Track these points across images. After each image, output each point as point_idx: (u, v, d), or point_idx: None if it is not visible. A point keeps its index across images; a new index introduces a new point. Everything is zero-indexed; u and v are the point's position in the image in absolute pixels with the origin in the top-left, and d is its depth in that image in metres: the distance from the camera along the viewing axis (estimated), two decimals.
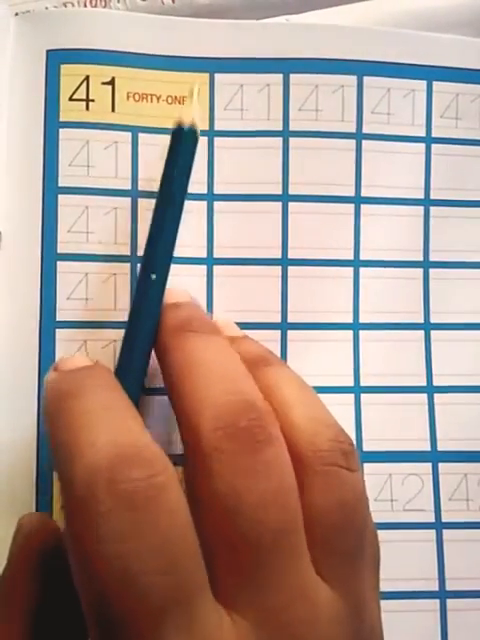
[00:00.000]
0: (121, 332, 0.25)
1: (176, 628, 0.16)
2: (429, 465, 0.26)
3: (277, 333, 0.26)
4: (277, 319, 0.26)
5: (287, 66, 0.26)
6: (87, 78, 0.25)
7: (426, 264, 0.27)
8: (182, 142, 0.23)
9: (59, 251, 0.25)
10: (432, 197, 0.27)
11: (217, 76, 0.26)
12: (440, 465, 0.26)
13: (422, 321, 0.26)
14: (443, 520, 0.26)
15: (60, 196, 0.25)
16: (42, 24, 0.26)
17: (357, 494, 0.19)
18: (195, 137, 0.24)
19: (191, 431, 0.19)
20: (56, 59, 0.26)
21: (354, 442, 0.20)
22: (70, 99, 0.25)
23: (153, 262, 0.22)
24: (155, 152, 0.25)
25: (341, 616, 0.18)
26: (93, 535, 0.16)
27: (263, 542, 0.17)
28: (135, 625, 0.16)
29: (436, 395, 0.26)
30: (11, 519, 0.22)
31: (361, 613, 0.19)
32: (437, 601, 0.25)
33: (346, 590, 0.19)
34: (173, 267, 0.25)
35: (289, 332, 0.26)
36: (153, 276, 0.22)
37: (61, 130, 0.25)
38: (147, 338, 0.22)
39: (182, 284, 0.25)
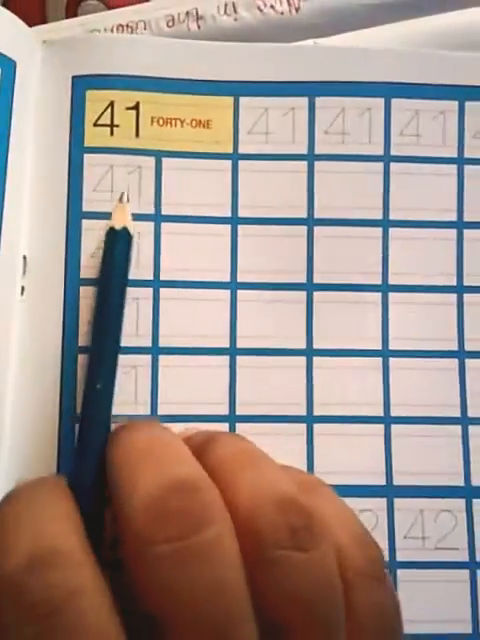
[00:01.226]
0: (144, 357, 0.25)
1: None
2: (463, 501, 0.25)
3: (302, 359, 0.25)
4: (302, 345, 0.25)
5: (313, 89, 0.26)
6: (112, 103, 0.25)
7: (460, 289, 0.26)
8: (117, 243, 0.24)
9: (82, 276, 0.25)
10: (466, 219, 0.26)
11: (242, 99, 0.26)
12: (474, 501, 0.24)
13: (456, 348, 0.25)
14: (478, 560, 0.24)
15: (84, 221, 0.25)
16: (69, 51, 0.26)
17: (314, 582, 0.17)
18: (129, 237, 0.24)
19: (122, 526, 0.17)
20: (82, 85, 0.26)
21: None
22: (95, 125, 0.25)
23: (97, 369, 0.23)
24: (179, 177, 0.25)
25: None
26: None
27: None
28: None
29: (471, 427, 0.25)
30: None
31: None
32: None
33: None
34: (200, 291, 0.25)
35: (315, 359, 0.25)
36: (98, 386, 0.22)
37: (86, 155, 0.25)
38: (97, 447, 0.21)
39: (207, 307, 0.25)
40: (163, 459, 0.18)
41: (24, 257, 0.25)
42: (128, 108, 0.26)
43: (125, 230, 0.24)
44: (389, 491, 0.24)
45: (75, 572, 0.16)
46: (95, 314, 0.23)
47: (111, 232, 0.24)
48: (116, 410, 0.23)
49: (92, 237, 0.25)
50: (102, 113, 0.25)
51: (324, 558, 0.17)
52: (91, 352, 0.23)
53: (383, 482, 0.25)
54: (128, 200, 0.25)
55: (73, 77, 0.26)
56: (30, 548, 0.16)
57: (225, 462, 0.19)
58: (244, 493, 0.18)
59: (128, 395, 0.24)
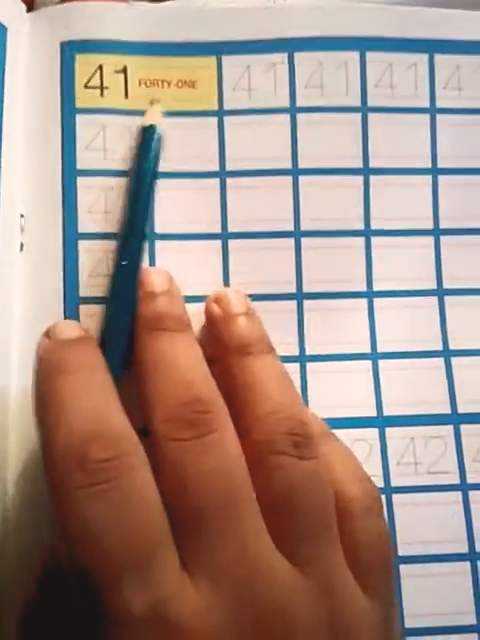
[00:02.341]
0: None
1: (133, 584, 0.19)
2: (451, 427, 0.26)
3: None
4: (293, 287, 0.26)
5: (291, 45, 0.27)
6: (100, 67, 0.27)
7: (436, 232, 0.27)
8: (149, 138, 0.26)
9: (79, 231, 0.26)
10: (440, 166, 0.27)
11: (224, 58, 0.27)
12: (462, 427, 0.26)
13: (436, 287, 0.27)
14: (469, 482, 0.26)
15: (79, 178, 0.26)
16: (56, 18, 0.27)
17: (308, 479, 0.21)
18: (159, 133, 0.26)
19: (148, 423, 0.21)
20: (70, 50, 0.27)
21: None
22: (85, 86, 0.27)
23: (125, 249, 0.25)
24: (168, 134, 0.26)
25: (301, 590, 0.20)
26: (67, 501, 0.19)
27: (211, 511, 0.20)
28: (98, 577, 0.19)
29: (453, 359, 0.26)
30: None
31: (329, 593, 0.20)
32: (468, 563, 0.25)
33: (309, 570, 0.20)
34: (187, 243, 0.26)
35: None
36: (124, 262, 0.24)
37: (78, 116, 0.26)
38: (125, 321, 0.24)
39: (197, 259, 0.26)
40: (184, 378, 0.22)
41: (21, 215, 0.26)
42: (116, 71, 0.27)
43: (155, 127, 0.26)
44: (380, 421, 0.26)
45: (133, 448, 0.20)
46: (126, 202, 0.25)
47: (144, 129, 0.26)
48: None
49: (87, 193, 0.26)
50: (91, 76, 0.27)
51: (315, 466, 0.22)
52: (120, 236, 0.25)
53: (374, 414, 0.26)
54: (159, 102, 0.27)
55: (61, 43, 0.27)
56: (90, 424, 0.20)
57: (251, 380, 0.23)
58: (262, 409, 0.22)
59: None
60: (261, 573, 0.19)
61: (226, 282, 0.26)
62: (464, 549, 0.25)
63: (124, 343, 0.24)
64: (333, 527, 0.21)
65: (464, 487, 0.25)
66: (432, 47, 0.27)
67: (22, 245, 0.26)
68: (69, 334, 0.22)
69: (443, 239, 0.27)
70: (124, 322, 0.24)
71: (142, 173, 0.25)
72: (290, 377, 0.24)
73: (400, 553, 0.25)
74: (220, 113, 0.27)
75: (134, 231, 0.25)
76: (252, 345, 0.23)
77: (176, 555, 0.20)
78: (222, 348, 0.24)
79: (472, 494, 0.25)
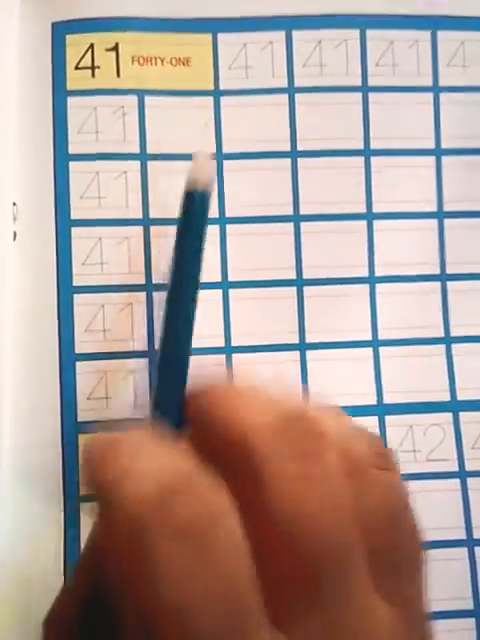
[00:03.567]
0: (138, 294, 0.25)
1: None
2: (450, 415, 0.26)
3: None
4: (292, 273, 0.26)
5: (289, 23, 0.26)
6: (92, 46, 0.26)
7: (442, 213, 0.26)
8: (195, 205, 0.23)
9: (72, 217, 0.25)
10: (443, 146, 0.27)
11: (220, 36, 0.26)
12: (461, 414, 0.26)
13: (439, 272, 0.26)
14: (467, 469, 0.26)
15: (71, 163, 0.25)
16: None
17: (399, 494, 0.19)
18: (208, 200, 0.23)
19: (238, 441, 0.17)
20: (61, 30, 0.26)
21: None
22: (76, 68, 0.26)
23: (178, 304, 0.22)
24: (162, 115, 0.26)
25: (399, 633, 0.17)
26: (146, 572, 0.15)
27: (327, 556, 0.16)
28: None
29: (453, 346, 0.26)
30: (38, 518, 0.23)
31: (417, 628, 0.18)
32: (465, 549, 0.25)
33: (402, 604, 0.17)
34: None
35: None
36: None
37: (69, 98, 0.26)
38: (179, 386, 0.21)
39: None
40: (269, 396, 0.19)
41: (14, 203, 0.25)
42: (108, 49, 0.26)
43: (205, 193, 0.23)
44: (380, 409, 0.26)
45: (213, 496, 0.16)
46: (175, 267, 0.22)
47: (192, 194, 0.23)
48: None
49: (80, 179, 0.25)
50: (82, 56, 0.26)
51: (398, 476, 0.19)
52: (171, 292, 0.22)
53: (374, 402, 0.26)
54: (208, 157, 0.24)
55: (53, 23, 0.26)
56: (159, 477, 0.16)
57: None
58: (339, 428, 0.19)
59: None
60: (372, 629, 0.17)
61: (224, 268, 0.26)
62: (462, 536, 0.25)
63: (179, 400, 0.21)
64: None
65: (462, 474, 0.25)
66: (435, 24, 0.26)
67: (15, 234, 0.25)
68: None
69: (447, 222, 0.27)
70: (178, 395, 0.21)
71: (193, 246, 0.22)
72: None
73: None
74: (216, 93, 0.26)
75: (186, 295, 0.22)
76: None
77: (265, 613, 0.16)
78: None
79: (470, 481, 0.25)
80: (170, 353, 0.22)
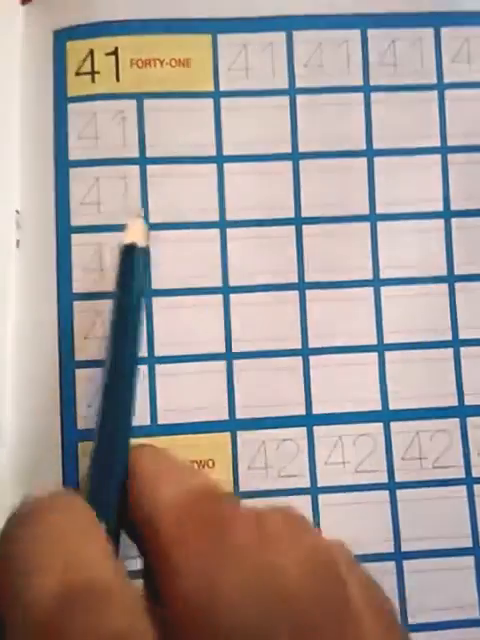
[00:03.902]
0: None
1: None
2: (457, 420, 0.25)
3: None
4: (294, 277, 0.25)
5: (289, 23, 0.26)
6: (92, 51, 0.26)
7: (448, 213, 0.26)
8: (136, 261, 0.23)
9: (73, 223, 0.25)
10: (449, 144, 0.26)
11: (220, 37, 0.26)
12: (468, 420, 0.25)
13: (445, 274, 0.26)
14: (474, 475, 0.25)
15: (71, 169, 0.25)
16: (48, 7, 0.26)
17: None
18: (147, 253, 0.23)
19: (147, 527, 0.17)
20: (63, 38, 0.26)
21: None
22: (77, 74, 0.26)
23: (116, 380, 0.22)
24: (162, 116, 0.25)
25: None
26: None
27: (247, 633, 0.15)
28: None
29: (462, 349, 0.26)
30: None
31: None
32: (472, 558, 0.25)
33: None
34: (186, 232, 0.25)
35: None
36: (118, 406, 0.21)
37: (70, 105, 0.25)
38: (118, 468, 0.20)
39: (196, 248, 0.25)
40: (183, 471, 0.19)
41: (17, 211, 0.25)
42: (107, 54, 0.26)
43: (145, 248, 0.23)
44: (386, 415, 0.25)
45: (117, 611, 0.14)
46: (113, 331, 0.22)
47: (127, 248, 0.23)
48: None
49: (79, 185, 0.25)
50: (83, 62, 0.26)
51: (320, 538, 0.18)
52: (109, 365, 0.22)
53: (379, 408, 0.25)
54: (143, 215, 0.25)
55: (54, 31, 0.26)
56: (63, 579, 0.15)
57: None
58: None
59: None
60: None
61: (224, 272, 0.25)
62: (468, 544, 0.25)
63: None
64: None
65: (469, 481, 0.25)
66: (438, 20, 0.26)
67: (18, 242, 0.25)
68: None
69: (454, 221, 0.26)
70: (117, 478, 0.20)
71: (129, 302, 0.22)
72: None
73: (403, 549, 0.24)
74: (216, 94, 0.26)
75: (124, 364, 0.22)
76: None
77: None
78: None
79: (477, 488, 0.25)
80: (108, 439, 0.21)
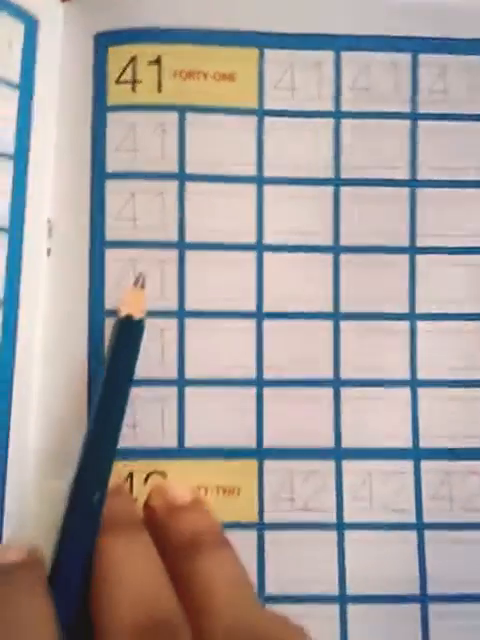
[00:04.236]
0: (169, 321, 0.24)
1: None
2: None
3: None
4: (330, 306, 0.25)
5: (339, 43, 0.25)
6: (134, 58, 0.25)
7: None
8: (130, 333, 0.23)
9: (107, 238, 0.24)
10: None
11: (267, 52, 0.25)
12: None
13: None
14: None
15: (108, 182, 0.24)
16: (90, 8, 0.25)
17: None
18: (142, 327, 0.23)
19: (102, 636, 0.18)
20: (104, 42, 0.25)
21: None
22: (117, 82, 0.25)
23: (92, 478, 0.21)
24: (204, 132, 0.25)
25: None
26: None
27: None
28: None
29: None
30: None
31: None
32: None
33: None
34: (221, 254, 0.24)
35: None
36: (95, 495, 0.21)
37: (109, 114, 0.25)
38: (83, 557, 0.20)
39: (230, 271, 0.24)
40: (142, 592, 0.19)
41: (48, 220, 0.24)
42: (150, 62, 0.25)
43: (140, 321, 0.23)
44: (416, 453, 0.24)
45: None
46: (97, 407, 0.22)
47: (125, 322, 0.23)
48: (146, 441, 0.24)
49: (116, 198, 0.24)
50: (124, 69, 0.25)
51: None
52: (86, 455, 0.21)
53: (410, 445, 0.24)
54: (143, 285, 0.24)
55: (95, 35, 0.25)
56: None
57: (207, 581, 0.20)
58: (221, 623, 0.19)
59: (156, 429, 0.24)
60: None
61: (259, 296, 0.25)
62: None
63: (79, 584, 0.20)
64: None
65: None
66: None
67: (49, 250, 0.24)
68: (10, 557, 0.19)
69: None
70: (81, 564, 0.20)
71: (117, 375, 0.22)
72: (245, 573, 0.21)
73: (430, 592, 0.24)
74: (260, 112, 0.25)
75: (105, 443, 0.21)
76: (202, 543, 0.21)
77: None
78: (169, 546, 0.21)
79: None
80: (82, 517, 0.20)
